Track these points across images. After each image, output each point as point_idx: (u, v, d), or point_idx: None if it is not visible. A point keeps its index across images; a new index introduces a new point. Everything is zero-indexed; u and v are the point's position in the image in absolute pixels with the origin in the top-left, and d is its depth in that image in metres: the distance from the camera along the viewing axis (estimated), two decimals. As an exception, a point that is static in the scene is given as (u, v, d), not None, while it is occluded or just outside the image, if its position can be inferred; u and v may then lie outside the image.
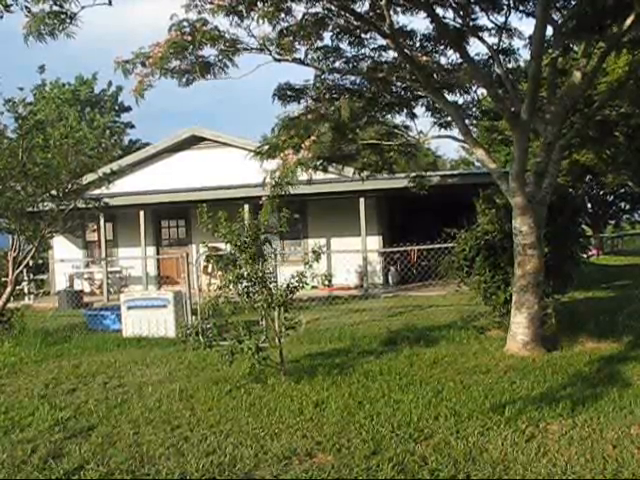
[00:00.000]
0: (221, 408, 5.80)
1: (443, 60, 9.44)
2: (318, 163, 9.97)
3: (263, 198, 9.16)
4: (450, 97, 9.55)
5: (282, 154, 8.63)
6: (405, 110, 10.33)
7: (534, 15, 8.08)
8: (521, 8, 8.73)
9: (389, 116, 10.68)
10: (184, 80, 7.83)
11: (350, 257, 16.81)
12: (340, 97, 9.16)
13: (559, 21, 8.29)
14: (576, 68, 8.32)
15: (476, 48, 9.10)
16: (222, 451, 4.68)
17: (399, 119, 10.73)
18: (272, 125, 10.30)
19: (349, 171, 12.82)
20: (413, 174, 11.81)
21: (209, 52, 7.73)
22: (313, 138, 8.41)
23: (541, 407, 5.32)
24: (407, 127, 10.64)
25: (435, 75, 9.41)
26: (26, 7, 6.39)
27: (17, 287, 12.10)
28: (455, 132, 10.00)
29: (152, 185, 17.82)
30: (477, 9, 8.74)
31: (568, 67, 9.82)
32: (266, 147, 9.83)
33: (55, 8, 6.75)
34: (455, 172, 21.83)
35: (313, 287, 10.62)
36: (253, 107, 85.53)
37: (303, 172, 8.89)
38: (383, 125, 10.67)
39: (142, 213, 17.70)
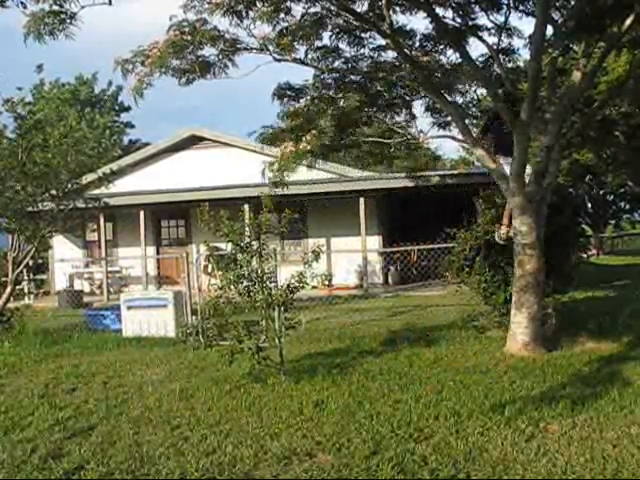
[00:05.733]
0: (221, 408, 5.80)
1: (443, 60, 9.45)
2: (319, 152, 9.95)
3: (262, 195, 9.17)
4: (450, 97, 9.55)
5: (282, 145, 8.63)
6: (405, 110, 10.34)
7: (534, 15, 8.08)
8: (521, 8, 8.73)
9: (389, 116, 10.67)
10: (184, 79, 7.84)
11: (350, 257, 16.82)
12: (340, 94, 9.18)
13: (559, 21, 8.29)
14: (576, 68, 8.32)
15: (476, 48, 9.10)
16: (222, 451, 4.67)
17: (399, 119, 10.73)
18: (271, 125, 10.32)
19: (349, 171, 12.86)
20: (413, 174, 11.83)
21: (209, 52, 7.74)
22: (314, 132, 8.41)
23: (541, 407, 5.31)
24: (408, 126, 10.64)
25: (435, 75, 9.41)
26: (22, 3, 6.35)
27: (17, 287, 12.10)
28: (455, 132, 10.01)
29: (152, 185, 17.81)
30: (477, 9, 8.74)
31: (568, 67, 9.82)
32: (270, 133, 9.85)
33: (55, 7, 6.75)
34: (455, 172, 21.78)
35: (313, 287, 10.62)
36: (253, 107, 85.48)
37: (304, 162, 8.85)
38: (383, 123, 10.67)
39: (142, 213, 17.70)
